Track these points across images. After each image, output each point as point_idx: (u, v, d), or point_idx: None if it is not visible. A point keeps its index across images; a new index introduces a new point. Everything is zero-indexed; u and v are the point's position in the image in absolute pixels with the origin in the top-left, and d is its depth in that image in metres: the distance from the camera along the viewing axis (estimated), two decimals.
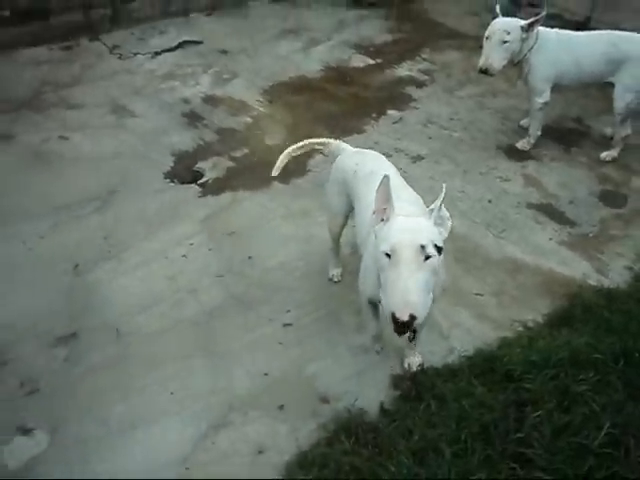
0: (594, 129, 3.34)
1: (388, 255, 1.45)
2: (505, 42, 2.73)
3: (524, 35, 2.75)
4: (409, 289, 1.40)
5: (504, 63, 2.80)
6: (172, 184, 3.04)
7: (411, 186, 1.97)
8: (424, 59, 4.16)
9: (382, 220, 1.55)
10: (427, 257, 1.43)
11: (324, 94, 3.78)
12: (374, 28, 4.64)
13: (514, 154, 3.16)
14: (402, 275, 1.41)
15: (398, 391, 1.97)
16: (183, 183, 3.06)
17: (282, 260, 2.54)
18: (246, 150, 3.28)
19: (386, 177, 1.53)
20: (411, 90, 3.80)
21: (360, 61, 4.16)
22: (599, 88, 3.30)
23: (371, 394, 1.96)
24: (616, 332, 1.94)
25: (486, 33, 2.79)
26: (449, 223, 1.54)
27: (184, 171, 3.14)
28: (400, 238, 1.44)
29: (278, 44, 4.42)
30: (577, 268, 2.44)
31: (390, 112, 3.57)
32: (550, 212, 2.75)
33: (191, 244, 2.64)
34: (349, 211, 2.12)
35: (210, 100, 3.75)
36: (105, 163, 3.16)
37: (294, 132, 3.41)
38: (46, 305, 2.35)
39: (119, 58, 4.20)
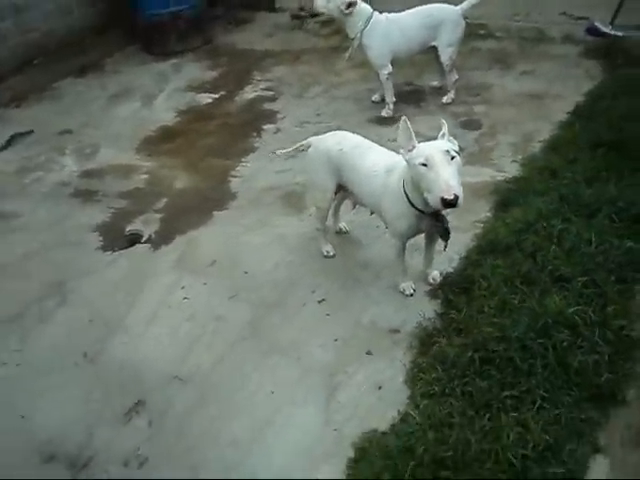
0: (424, 86, 4.30)
1: (424, 165, 2.00)
2: (329, 0, 3.66)
3: (342, 8, 3.62)
4: (448, 178, 1.96)
5: (322, 10, 3.74)
6: (117, 253, 3.09)
7: None
8: (259, 80, 4.75)
9: (409, 151, 2.08)
10: (452, 157, 2.00)
11: (196, 133, 4.11)
12: (195, 70, 5.08)
13: (384, 121, 3.92)
14: (440, 171, 1.97)
15: (438, 300, 2.49)
16: (125, 248, 3.13)
17: (275, 262, 2.86)
18: (165, 199, 3.45)
19: (404, 118, 2.08)
20: (268, 105, 4.35)
21: (206, 98, 4.57)
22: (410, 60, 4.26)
23: (422, 311, 2.43)
24: (546, 192, 2.75)
25: None
26: (456, 142, 2.14)
27: (119, 239, 3.20)
28: (430, 149, 2.03)
29: (116, 109, 4.58)
30: (485, 174, 3.26)
31: (266, 127, 4.07)
32: None
33: (183, 287, 2.79)
34: (337, 186, 2.57)
35: (90, 175, 3.79)
36: (30, 264, 3.05)
37: (196, 170, 3.70)
38: (86, 397, 2.31)
39: None
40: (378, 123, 3.92)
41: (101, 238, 3.21)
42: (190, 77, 4.94)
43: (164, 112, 4.44)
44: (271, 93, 4.52)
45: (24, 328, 2.65)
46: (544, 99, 3.93)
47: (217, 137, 4.03)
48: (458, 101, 4.02)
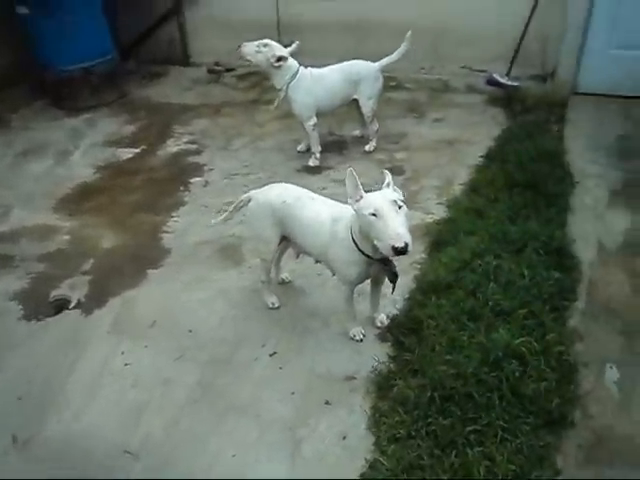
0: (345, 135, 4.50)
1: (374, 215, 2.08)
2: (258, 51, 3.73)
3: (272, 61, 3.73)
4: (397, 227, 2.05)
5: (249, 58, 3.76)
6: (43, 322, 2.90)
7: None
8: (181, 133, 4.74)
9: (357, 201, 2.17)
10: (399, 207, 2.11)
11: (120, 189, 4.00)
12: (112, 124, 4.98)
13: (312, 171, 4.05)
14: (389, 221, 2.06)
15: (389, 342, 2.56)
16: (52, 316, 2.95)
17: (219, 317, 2.81)
18: (92, 260, 3.31)
19: (351, 170, 2.17)
20: (194, 159, 4.34)
21: (127, 153, 4.48)
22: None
23: (376, 355, 2.49)
24: (475, 231, 2.95)
25: None
26: (400, 191, 2.26)
27: (44, 307, 3.00)
28: (378, 200, 2.11)
29: (28, 167, 4.37)
30: (415, 217, 3.41)
31: (193, 180, 4.05)
32: None
33: (122, 352, 2.66)
34: (281, 237, 2.61)
35: (2, 238, 3.57)
36: None
37: (123, 227, 3.58)
38: None
39: None
40: (306, 172, 4.04)
41: (21, 307, 3.00)
42: (107, 132, 4.84)
43: (82, 168, 4.30)
44: (195, 146, 4.53)
45: None
46: (458, 144, 4.25)
47: (143, 192, 3.95)
48: (379, 149, 4.24)
